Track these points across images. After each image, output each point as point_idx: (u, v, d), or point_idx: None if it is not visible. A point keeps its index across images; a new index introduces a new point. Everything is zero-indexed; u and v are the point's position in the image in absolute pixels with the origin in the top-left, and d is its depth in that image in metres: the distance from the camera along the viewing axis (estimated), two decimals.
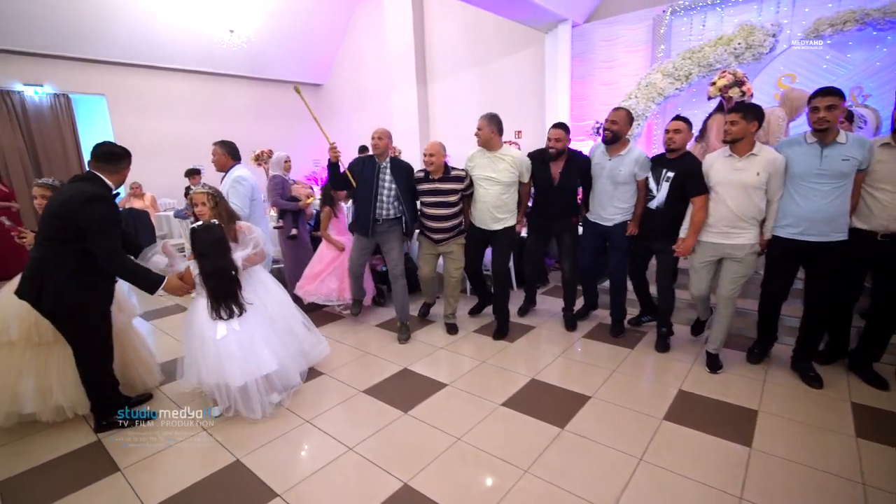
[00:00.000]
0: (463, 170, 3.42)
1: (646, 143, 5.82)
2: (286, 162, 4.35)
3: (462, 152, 3.84)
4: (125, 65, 7.70)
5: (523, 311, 3.97)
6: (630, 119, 3.20)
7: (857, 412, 2.37)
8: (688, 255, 2.89)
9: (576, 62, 6.30)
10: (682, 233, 2.87)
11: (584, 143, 5.64)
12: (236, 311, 2.43)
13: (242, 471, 2.11)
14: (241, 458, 2.20)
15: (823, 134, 2.42)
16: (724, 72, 3.56)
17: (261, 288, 2.71)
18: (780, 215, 2.61)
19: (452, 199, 3.37)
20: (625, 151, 3.11)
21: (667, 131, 2.91)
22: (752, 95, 3.51)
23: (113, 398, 2.47)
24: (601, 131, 5.52)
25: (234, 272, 2.46)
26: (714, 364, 2.87)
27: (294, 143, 9.58)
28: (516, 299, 4.08)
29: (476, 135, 3.32)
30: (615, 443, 2.20)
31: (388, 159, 3.39)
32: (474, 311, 4.01)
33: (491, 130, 3.27)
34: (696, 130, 4.08)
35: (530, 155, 3.47)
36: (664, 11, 5.49)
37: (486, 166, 3.33)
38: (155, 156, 8.02)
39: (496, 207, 3.34)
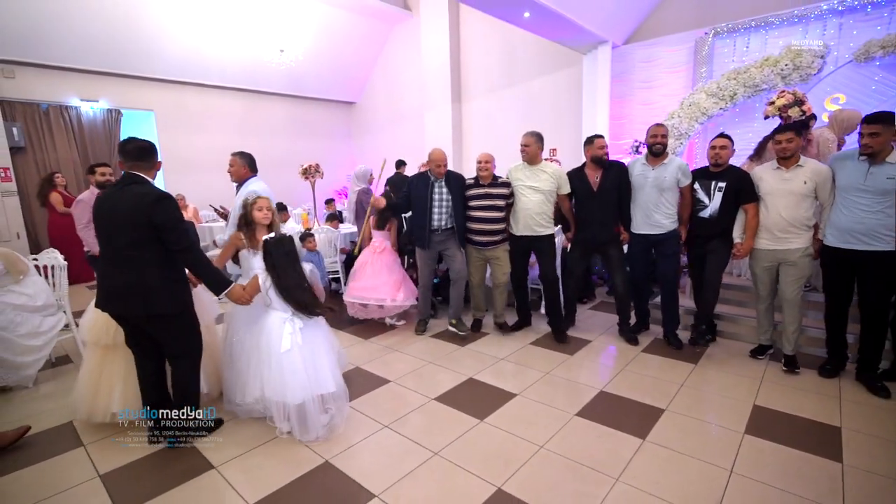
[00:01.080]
0: (507, 180, 3.67)
1: (688, 159, 5.86)
2: (371, 176, 4.65)
3: (496, 170, 4.05)
4: (174, 82, 8.04)
5: (566, 328, 3.93)
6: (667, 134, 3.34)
7: None
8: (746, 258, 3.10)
9: (614, 82, 6.41)
10: (738, 238, 3.06)
11: (623, 161, 5.72)
12: (319, 314, 2.48)
13: (334, 472, 2.16)
14: (330, 459, 2.25)
15: (870, 157, 2.56)
16: (783, 91, 3.62)
17: None
18: (828, 224, 2.78)
19: (500, 203, 3.63)
20: (667, 161, 3.28)
21: (713, 147, 3.10)
22: (812, 114, 3.56)
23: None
24: (639, 149, 5.63)
25: (307, 283, 2.51)
26: (792, 363, 3.00)
27: (327, 158, 9.78)
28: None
29: (523, 150, 3.59)
30: (701, 454, 2.20)
31: (445, 174, 3.65)
32: (515, 328, 3.99)
33: (537, 147, 3.55)
34: (749, 149, 4.16)
35: (569, 172, 3.65)
36: (706, 33, 5.59)
37: (528, 178, 3.58)
38: (198, 169, 8.31)
39: (538, 214, 3.56)
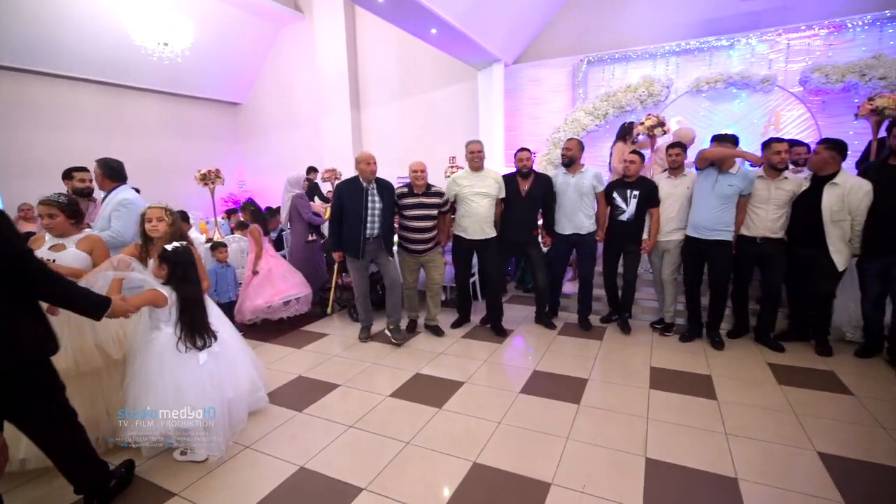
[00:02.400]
0: (439, 189, 3.84)
1: None
2: (305, 182, 4.95)
3: (394, 176, 4.40)
4: (14, 69, 6.71)
5: (486, 321, 4.26)
6: (581, 146, 3.91)
7: (774, 368, 3.19)
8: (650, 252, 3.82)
9: (507, 97, 7.10)
10: (645, 235, 3.75)
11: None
12: (209, 340, 2.29)
13: (313, 475, 2.18)
14: (305, 465, 2.26)
15: (676, 170, 3.55)
16: (649, 115, 4.48)
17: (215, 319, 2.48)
18: (688, 221, 3.58)
19: (433, 212, 3.78)
20: (584, 170, 3.85)
21: (624, 161, 3.73)
22: (670, 131, 4.47)
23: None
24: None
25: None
26: (668, 329, 3.89)
27: (211, 162, 8.96)
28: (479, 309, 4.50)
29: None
30: (623, 409, 2.70)
31: (374, 180, 3.67)
32: (456, 325, 4.24)
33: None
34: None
35: (504, 176, 3.99)
36: (581, 61, 6.53)
37: (475, 184, 3.77)
38: (47, 173, 7.03)
39: (486, 218, 3.79)
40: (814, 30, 5.36)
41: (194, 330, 2.23)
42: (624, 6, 6.38)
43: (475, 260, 4.33)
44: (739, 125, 5.77)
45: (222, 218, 5.98)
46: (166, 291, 2.21)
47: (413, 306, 4.16)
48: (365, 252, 3.69)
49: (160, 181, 8.08)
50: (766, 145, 3.29)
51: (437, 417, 2.68)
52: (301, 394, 3.02)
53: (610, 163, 5.04)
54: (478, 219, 3.77)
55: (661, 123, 4.40)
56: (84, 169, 3.36)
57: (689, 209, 3.57)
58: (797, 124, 5.49)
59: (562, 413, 2.68)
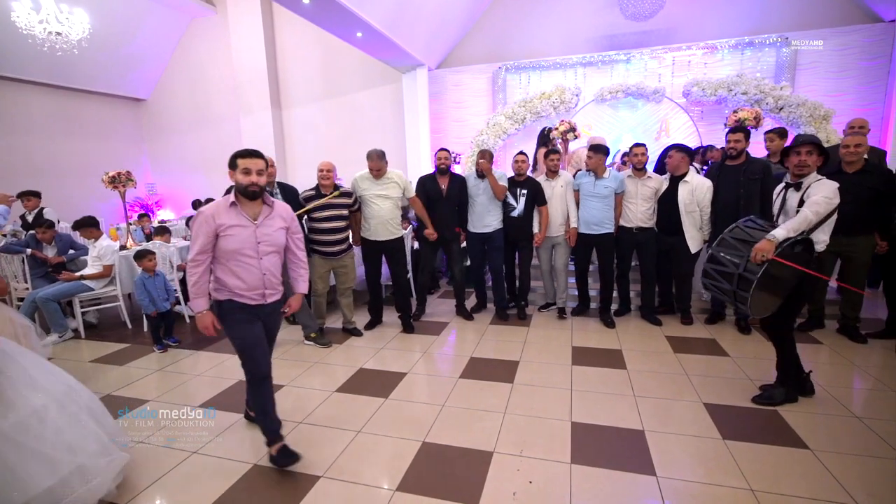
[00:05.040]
0: (348, 189, 3.84)
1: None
2: None
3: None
4: None
5: (418, 316, 4.49)
6: (492, 157, 4.24)
7: (671, 340, 3.75)
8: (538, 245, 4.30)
9: (431, 100, 7.36)
10: (535, 230, 4.18)
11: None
12: None
13: (268, 470, 2.23)
14: (258, 462, 2.30)
15: (593, 171, 4.04)
16: (563, 121, 4.96)
17: None
18: (579, 219, 4.11)
19: (344, 212, 3.79)
20: (498, 175, 4.18)
21: (516, 161, 4.20)
22: (580, 136, 4.99)
23: None
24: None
25: None
26: (562, 312, 4.38)
27: (113, 164, 8.28)
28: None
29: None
30: (552, 384, 3.05)
31: (276, 185, 3.57)
32: (370, 327, 4.26)
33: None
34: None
35: (422, 177, 4.26)
36: (500, 68, 6.97)
37: (375, 187, 3.85)
38: None
39: (390, 220, 3.90)
40: (692, 50, 6.24)
41: None
42: (536, 19, 6.93)
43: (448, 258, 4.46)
44: (637, 130, 6.55)
45: (134, 224, 5.54)
46: None
47: (323, 313, 4.08)
48: None
49: (53, 184, 7.27)
50: (629, 149, 4.03)
51: (384, 406, 2.83)
52: (244, 397, 3.00)
53: (534, 166, 5.46)
54: (381, 220, 3.86)
55: (573, 129, 4.89)
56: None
57: (568, 208, 4.12)
58: (682, 130, 6.35)
59: (498, 392, 2.96)
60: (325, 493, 2.07)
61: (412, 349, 3.76)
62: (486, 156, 4.06)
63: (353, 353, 3.73)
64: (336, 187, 3.73)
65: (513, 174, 4.23)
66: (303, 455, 2.26)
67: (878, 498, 1.92)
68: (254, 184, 2.08)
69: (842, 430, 2.43)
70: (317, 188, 3.72)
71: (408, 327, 4.14)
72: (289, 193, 3.66)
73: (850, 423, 2.49)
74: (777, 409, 2.63)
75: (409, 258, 4.54)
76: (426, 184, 4.15)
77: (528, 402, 2.82)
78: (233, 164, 2.12)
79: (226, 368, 3.48)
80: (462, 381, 3.15)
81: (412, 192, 4.04)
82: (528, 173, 4.27)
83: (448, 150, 4.17)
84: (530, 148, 5.77)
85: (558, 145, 5.30)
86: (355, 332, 4.10)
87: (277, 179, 3.75)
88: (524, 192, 4.11)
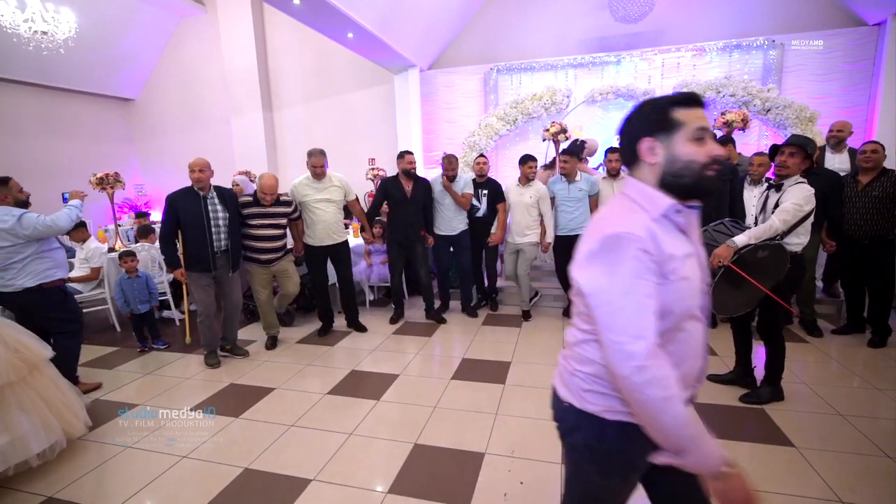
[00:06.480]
0: (288, 196, 3.75)
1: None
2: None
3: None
4: None
5: (395, 319, 4.41)
6: (456, 162, 4.27)
7: None
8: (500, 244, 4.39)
9: (423, 101, 7.35)
10: (493, 229, 4.31)
11: (435, 171, 6.66)
12: None
13: (259, 474, 2.23)
14: (249, 466, 2.29)
15: (566, 176, 4.11)
16: (553, 122, 4.98)
17: None
18: (557, 223, 4.17)
19: (282, 221, 3.70)
20: (458, 178, 4.25)
21: (477, 163, 4.31)
22: (571, 137, 5.01)
23: None
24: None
25: None
26: (527, 315, 4.40)
27: (101, 165, 8.17)
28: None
29: (448, 175, 4.16)
30: (543, 384, 3.06)
31: (212, 189, 3.38)
32: (322, 332, 4.14)
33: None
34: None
35: (385, 180, 4.31)
36: (491, 69, 6.98)
37: (317, 192, 3.79)
38: None
39: (334, 224, 3.86)
40: (681, 52, 6.30)
41: None
42: (528, 20, 6.95)
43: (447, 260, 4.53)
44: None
45: (132, 223, 5.47)
46: None
47: (272, 322, 3.91)
48: (218, 265, 3.38)
49: (40, 186, 7.15)
50: (606, 154, 4.15)
51: (376, 408, 2.83)
52: (235, 400, 2.99)
53: (551, 165, 5.46)
54: (325, 225, 3.80)
55: (564, 130, 4.92)
56: None
57: (537, 216, 4.16)
58: None
59: (490, 393, 2.98)
60: (317, 497, 2.06)
61: (405, 350, 3.76)
62: (452, 163, 4.17)
63: (347, 354, 3.72)
64: (276, 197, 3.57)
65: (474, 176, 4.39)
66: (291, 457, 2.25)
67: (860, 494, 1.96)
68: None
69: (827, 427, 2.48)
70: (253, 195, 3.57)
71: (356, 326, 4.17)
72: (228, 198, 3.45)
73: (835, 421, 2.54)
74: (763, 407, 2.67)
75: (430, 258, 4.49)
76: (388, 188, 4.12)
77: (519, 404, 2.83)
78: None
79: (214, 372, 3.46)
80: (454, 382, 3.16)
81: (353, 196, 4.01)
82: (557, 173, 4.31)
83: (412, 153, 4.18)
84: (522, 149, 5.79)
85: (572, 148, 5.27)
86: (272, 344, 3.88)
87: (218, 184, 3.49)
88: (485, 192, 4.31)
